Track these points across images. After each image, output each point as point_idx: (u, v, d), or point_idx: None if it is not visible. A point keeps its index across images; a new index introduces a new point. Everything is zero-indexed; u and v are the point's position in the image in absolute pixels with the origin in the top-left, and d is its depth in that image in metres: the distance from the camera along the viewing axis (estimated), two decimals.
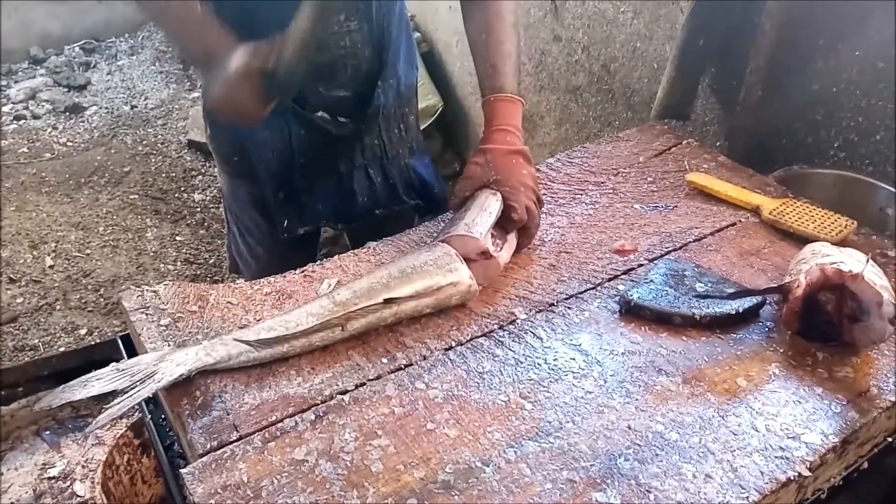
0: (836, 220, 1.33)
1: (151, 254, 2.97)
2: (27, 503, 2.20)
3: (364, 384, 1.01)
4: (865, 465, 1.02)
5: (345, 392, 0.99)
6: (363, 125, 1.53)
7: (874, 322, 1.02)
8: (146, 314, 1.13)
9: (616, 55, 2.43)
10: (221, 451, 0.90)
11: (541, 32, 2.75)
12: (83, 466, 2.38)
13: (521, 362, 1.05)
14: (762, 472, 0.88)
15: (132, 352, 1.15)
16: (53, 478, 2.36)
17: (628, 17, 2.33)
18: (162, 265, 2.93)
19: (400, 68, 1.55)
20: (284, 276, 1.27)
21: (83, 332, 2.62)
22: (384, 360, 1.06)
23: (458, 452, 0.90)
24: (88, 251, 2.95)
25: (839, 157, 1.87)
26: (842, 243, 1.27)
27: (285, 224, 1.53)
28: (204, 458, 0.89)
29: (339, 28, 1.40)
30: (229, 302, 1.19)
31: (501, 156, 1.28)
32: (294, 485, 0.86)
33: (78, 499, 2.28)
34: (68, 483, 2.35)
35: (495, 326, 1.12)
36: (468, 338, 1.10)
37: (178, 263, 2.95)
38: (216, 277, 2.89)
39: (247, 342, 1.02)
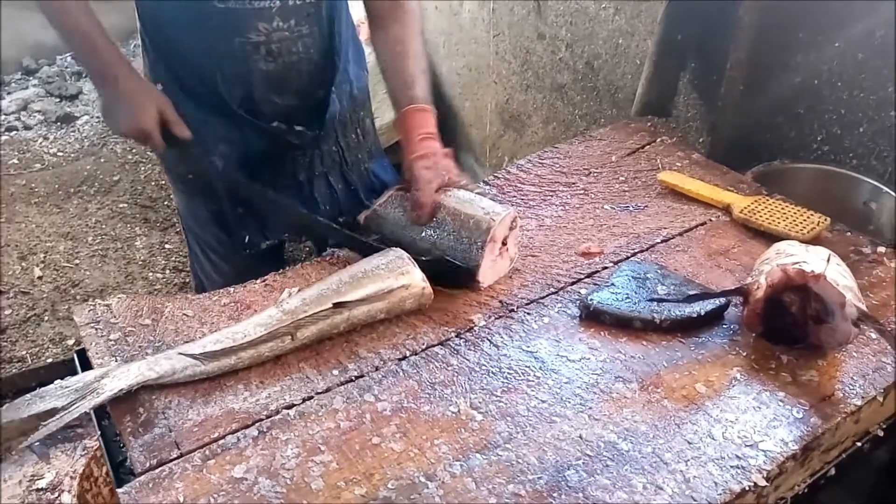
0: (808, 218, 1.29)
1: (140, 262, 2.95)
2: None
3: (312, 398, 0.98)
4: (833, 471, 0.99)
5: (291, 406, 0.97)
6: (320, 132, 1.50)
7: (838, 323, 0.98)
8: (96, 329, 1.11)
9: (599, 52, 2.40)
10: (160, 469, 0.88)
11: (525, 31, 2.72)
12: (71, 477, 2.37)
13: (476, 371, 1.02)
14: (716, 483, 0.85)
15: (88, 367, 1.13)
16: (42, 489, 2.35)
17: (610, 13, 2.30)
18: (150, 274, 2.91)
19: (351, 72, 1.53)
20: (244, 286, 1.25)
21: (71, 342, 2.61)
22: (335, 372, 1.03)
23: (402, 467, 0.88)
24: (77, 261, 2.94)
25: (823, 150, 1.83)
26: (815, 241, 1.23)
27: (246, 240, 1.50)
28: (142, 478, 0.87)
29: (291, 33, 1.37)
30: (185, 314, 1.17)
31: (442, 157, 1.33)
32: (230, 503, 0.84)
33: None
34: (56, 494, 2.34)
35: (452, 334, 1.10)
36: (423, 347, 1.07)
37: (167, 272, 2.93)
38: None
39: (192, 356, 1.00)
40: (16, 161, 3.51)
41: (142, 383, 0.97)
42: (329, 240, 1.42)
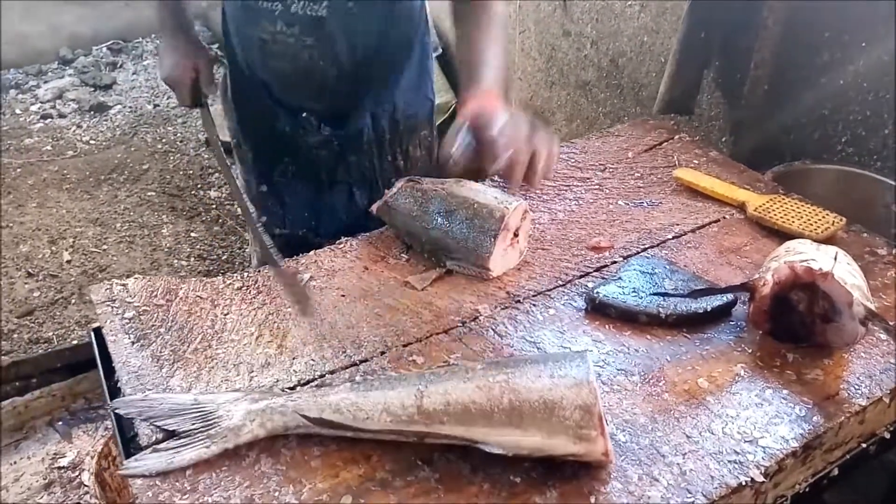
0: (823, 217, 1.28)
1: (166, 250, 3.01)
2: (36, 491, 2.24)
3: (314, 379, 1.00)
4: (836, 472, 0.98)
5: (293, 388, 0.98)
6: (339, 142, 1.51)
7: (846, 322, 0.97)
8: (111, 307, 1.14)
9: (624, 49, 2.39)
10: (165, 443, 0.90)
11: (551, 28, 2.72)
12: (92, 457, 2.42)
13: (477, 360, 1.03)
14: (712, 477, 0.85)
15: (102, 344, 1.15)
16: (63, 467, 2.41)
17: (635, 10, 2.29)
18: (175, 261, 2.97)
19: (399, 96, 1.50)
20: (258, 271, 1.27)
21: (96, 325, 2.67)
22: (341, 357, 1.05)
23: (398, 450, 0.89)
24: (105, 247, 3.00)
25: (847, 152, 1.80)
26: (829, 241, 1.22)
27: (263, 220, 1.52)
28: (146, 451, 0.89)
29: (296, 41, 1.37)
30: (198, 296, 1.19)
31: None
32: (232, 479, 0.86)
33: (85, 488, 2.32)
34: (77, 473, 2.39)
35: (457, 323, 1.10)
36: (427, 334, 1.08)
37: (192, 259, 2.99)
38: (228, 273, 2.93)
39: (307, 418, 0.89)
40: (49, 148, 3.60)
41: (251, 440, 0.89)
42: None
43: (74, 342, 2.59)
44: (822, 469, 0.97)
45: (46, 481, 2.24)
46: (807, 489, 0.95)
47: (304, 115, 1.49)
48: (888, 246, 1.25)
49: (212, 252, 3.03)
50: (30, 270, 2.84)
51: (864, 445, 1.00)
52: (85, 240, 3.02)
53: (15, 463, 2.28)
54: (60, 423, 2.28)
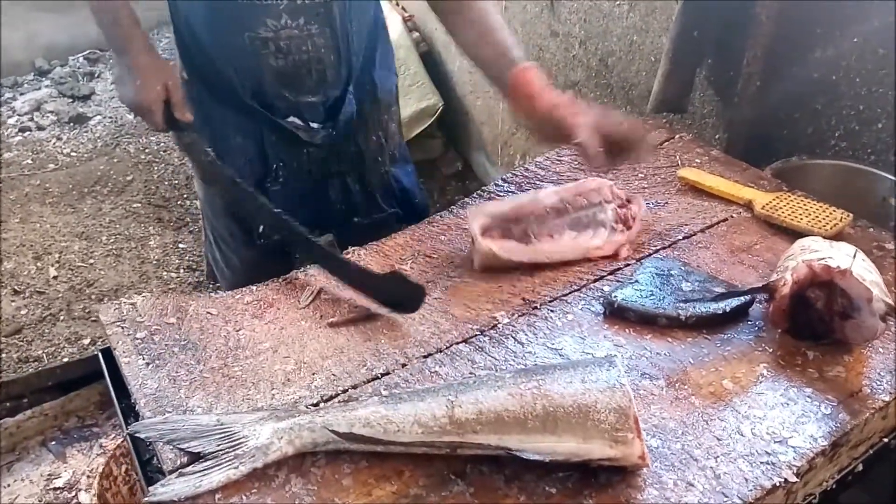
0: (831, 214, 1.29)
1: (154, 262, 2.97)
2: None
3: (337, 395, 0.99)
4: (860, 467, 0.99)
5: (317, 403, 0.97)
6: (334, 131, 1.50)
7: (865, 319, 0.98)
8: (122, 327, 1.12)
9: (613, 49, 2.40)
10: (191, 466, 0.88)
11: (538, 28, 2.72)
12: (88, 476, 2.38)
13: (502, 369, 1.02)
14: (746, 479, 0.85)
15: (112, 365, 1.13)
16: (59, 488, 2.36)
17: (624, 10, 2.30)
18: (164, 273, 2.93)
19: (375, 74, 1.52)
20: (266, 285, 1.25)
21: (86, 342, 2.63)
22: (362, 370, 1.03)
23: (431, 465, 0.88)
24: (91, 261, 2.96)
25: (840, 147, 1.82)
26: (837, 237, 1.23)
27: (261, 230, 1.50)
28: (172, 475, 0.87)
29: (301, 32, 1.37)
30: (209, 312, 1.17)
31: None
32: (263, 501, 0.84)
33: None
34: (73, 493, 2.35)
35: (476, 332, 1.10)
36: (447, 344, 1.07)
37: (181, 271, 2.95)
38: (218, 285, 2.89)
39: (337, 433, 0.87)
40: (30, 161, 3.53)
41: (279, 459, 0.88)
42: (299, 254, 1.36)
43: (65, 360, 2.54)
44: (847, 465, 0.97)
45: (42, 503, 2.19)
46: (833, 486, 0.96)
47: (290, 119, 1.48)
48: (895, 240, 1.26)
49: (201, 263, 2.99)
50: (16, 288, 2.79)
51: (885, 440, 1.01)
52: (71, 254, 2.97)
53: (9, 486, 2.23)
54: (54, 442, 2.24)
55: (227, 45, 1.40)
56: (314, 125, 1.47)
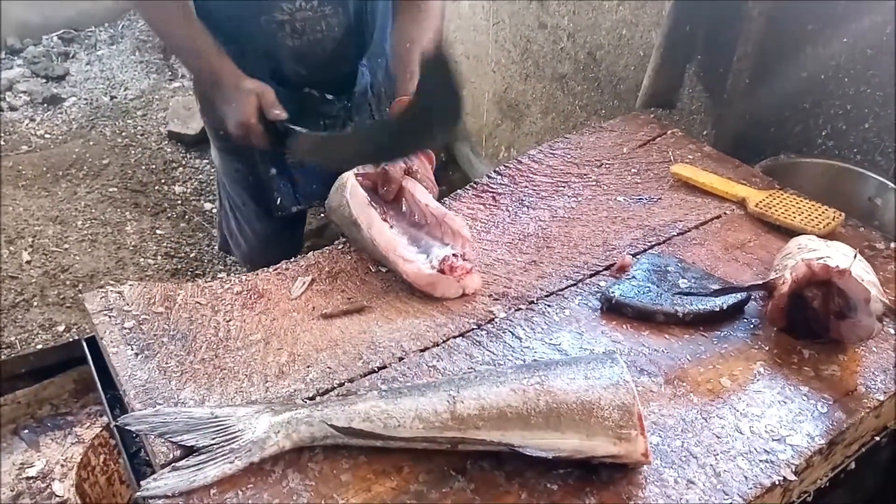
0: (823, 213, 1.29)
1: (131, 248, 2.91)
2: (5, 503, 2.15)
3: (334, 388, 0.97)
4: (853, 465, 0.99)
5: (314, 397, 0.95)
6: (349, 103, 1.54)
7: (862, 319, 0.99)
8: (109, 316, 1.09)
9: (602, 42, 2.39)
10: (185, 460, 0.86)
11: (526, 19, 2.70)
12: (62, 465, 2.33)
13: (500, 363, 1.01)
14: (746, 477, 0.85)
15: (97, 354, 1.10)
16: (32, 477, 2.31)
17: (613, 3, 2.29)
18: (142, 259, 2.87)
19: (387, 46, 1.55)
20: (257, 274, 1.23)
21: (61, 328, 2.56)
22: (358, 364, 1.02)
23: (430, 461, 0.87)
24: (66, 246, 2.88)
25: (827, 145, 1.83)
26: (829, 236, 1.24)
27: (279, 202, 1.53)
28: (165, 469, 0.85)
29: (314, 13, 1.43)
30: (198, 302, 1.15)
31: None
32: (259, 496, 0.82)
33: (57, 499, 2.23)
34: (47, 483, 2.30)
35: (473, 326, 1.09)
36: (444, 338, 1.06)
37: (159, 258, 2.89)
38: (197, 272, 2.84)
39: (336, 427, 0.85)
40: (2, 143, 3.43)
41: (276, 453, 0.86)
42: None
43: (39, 346, 2.48)
44: (840, 463, 0.98)
45: (14, 493, 2.14)
46: (826, 484, 0.96)
47: (307, 90, 1.53)
48: (886, 240, 1.27)
49: (179, 250, 2.94)
50: None
51: (877, 438, 1.02)
52: (45, 239, 2.89)
53: None
54: (26, 431, 2.19)
55: (244, 28, 1.46)
56: (330, 97, 1.53)
